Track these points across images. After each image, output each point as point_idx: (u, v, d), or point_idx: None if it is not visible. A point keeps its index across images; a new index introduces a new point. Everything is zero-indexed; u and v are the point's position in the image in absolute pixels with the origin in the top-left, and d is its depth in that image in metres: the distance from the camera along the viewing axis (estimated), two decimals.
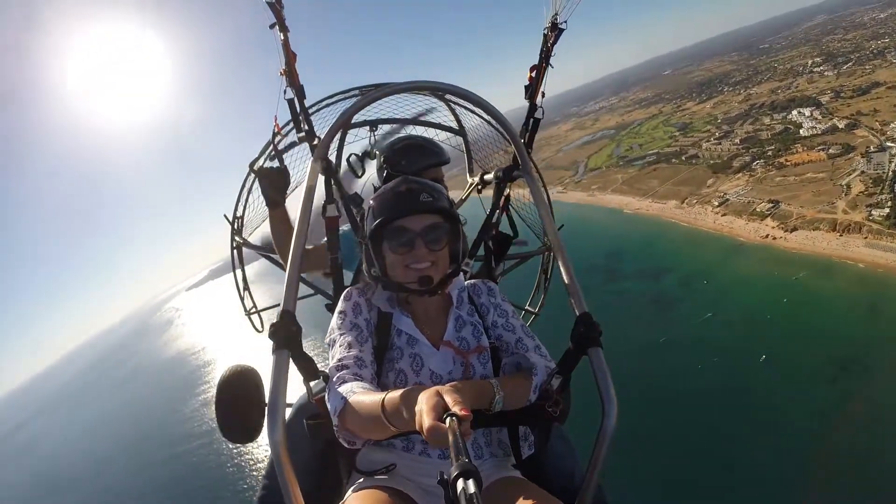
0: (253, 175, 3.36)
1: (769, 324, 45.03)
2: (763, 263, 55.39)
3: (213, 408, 3.04)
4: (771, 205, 67.76)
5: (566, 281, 1.86)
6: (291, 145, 3.00)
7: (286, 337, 1.51)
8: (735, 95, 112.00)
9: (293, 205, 2.24)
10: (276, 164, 2.62)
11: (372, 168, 3.11)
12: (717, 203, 74.29)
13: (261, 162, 2.71)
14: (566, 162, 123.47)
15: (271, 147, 2.61)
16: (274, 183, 2.56)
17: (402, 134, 3.61)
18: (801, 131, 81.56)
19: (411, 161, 2.90)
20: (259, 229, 3.72)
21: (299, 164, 3.09)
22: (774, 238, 61.44)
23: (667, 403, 38.14)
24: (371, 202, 1.86)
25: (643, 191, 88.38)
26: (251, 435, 3.03)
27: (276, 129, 2.52)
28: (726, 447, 33.60)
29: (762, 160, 79.67)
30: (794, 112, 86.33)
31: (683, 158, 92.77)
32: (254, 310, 3.93)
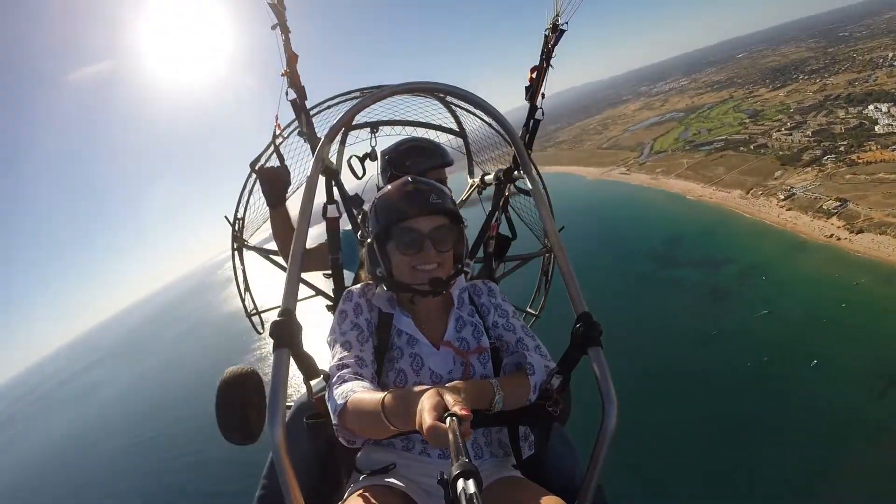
0: (253, 175, 3.36)
1: (824, 328, 42.86)
2: (824, 264, 52.80)
3: (214, 409, 2.98)
4: (838, 203, 63.49)
5: (567, 281, 1.85)
6: (292, 145, 3.03)
7: (286, 335, 1.52)
8: (810, 84, 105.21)
9: (294, 205, 2.24)
10: (276, 163, 2.66)
11: (372, 169, 3.14)
12: (782, 196, 70.19)
13: (262, 162, 2.77)
14: (632, 143, 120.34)
15: (272, 147, 2.66)
16: (274, 183, 2.58)
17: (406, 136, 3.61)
18: (876, 128, 75.94)
19: (416, 162, 2.91)
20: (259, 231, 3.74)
21: (300, 164, 3.11)
22: (839, 238, 57.67)
23: (706, 398, 37.04)
24: (375, 202, 1.87)
25: (708, 178, 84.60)
26: (252, 436, 3.04)
27: (277, 129, 2.57)
28: (754, 449, 32.50)
29: (833, 155, 74.62)
30: (871, 107, 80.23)
31: (752, 147, 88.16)
32: (255, 311, 3.93)
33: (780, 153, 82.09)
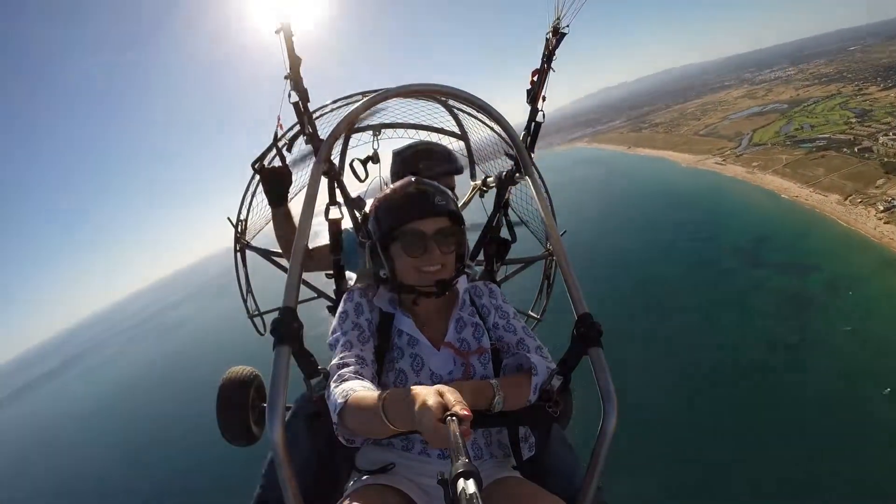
0: (256, 177, 3.39)
1: None
2: None
3: (214, 409, 3.06)
4: None
5: (568, 282, 1.85)
6: (294, 145, 3.09)
7: (287, 333, 1.52)
8: None
9: (296, 206, 2.24)
10: (278, 163, 2.68)
11: (374, 172, 3.12)
12: (882, 208, 61.51)
13: (264, 162, 2.84)
14: (730, 132, 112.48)
15: (274, 148, 2.72)
16: (277, 183, 2.61)
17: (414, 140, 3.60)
18: None
19: (429, 165, 2.92)
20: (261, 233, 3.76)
21: (302, 165, 3.13)
22: None
23: (768, 405, 34.66)
24: (378, 203, 1.87)
25: (805, 178, 76.55)
26: (252, 438, 3.15)
27: (280, 130, 2.61)
28: (803, 471, 29.53)
29: None
30: None
31: (856, 150, 78.58)
32: (257, 312, 3.95)
33: (885, 160, 72.43)
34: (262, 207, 3.60)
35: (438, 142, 3.69)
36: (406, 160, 3.02)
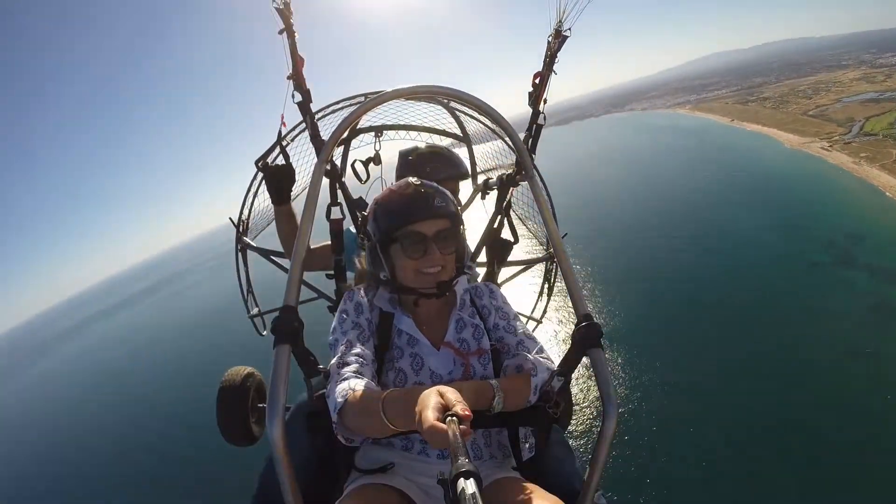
0: (259, 177, 3.50)
1: None
2: None
3: (214, 408, 3.05)
4: None
5: (569, 284, 1.84)
6: (298, 147, 3.09)
7: (287, 332, 1.52)
8: None
9: (299, 206, 2.25)
10: (282, 163, 2.69)
11: (376, 173, 3.13)
12: None
13: (267, 160, 2.86)
14: (841, 116, 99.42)
15: (278, 147, 2.73)
16: (280, 181, 2.62)
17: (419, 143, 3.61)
18: None
19: (437, 169, 2.94)
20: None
21: (305, 166, 3.16)
22: None
23: (826, 416, 30.48)
24: (377, 204, 1.87)
25: None
26: (252, 438, 3.15)
27: (284, 129, 2.62)
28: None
29: None
30: None
31: None
32: (257, 312, 3.95)
33: None
34: (263, 208, 3.62)
35: (429, 141, 3.69)
36: (413, 161, 3.04)
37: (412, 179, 1.85)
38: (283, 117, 2.54)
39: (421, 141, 3.70)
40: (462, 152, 3.73)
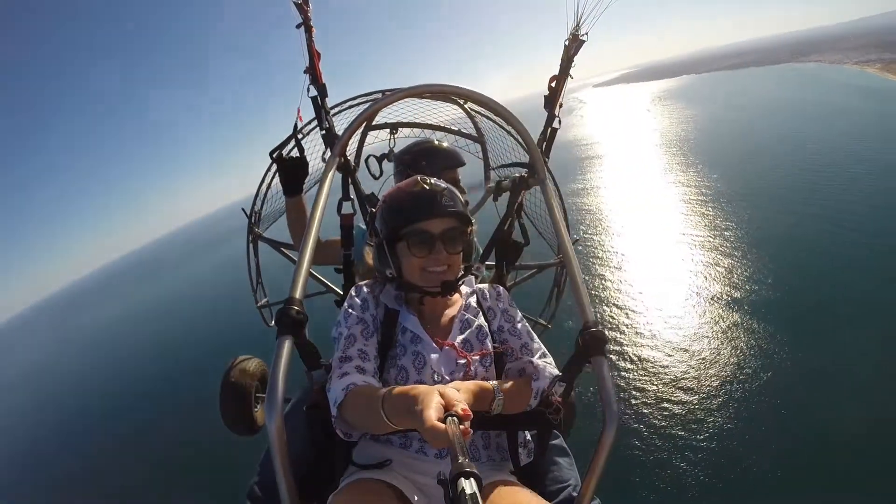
0: (273, 169, 3.54)
1: None
2: None
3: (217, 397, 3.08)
4: None
5: (576, 290, 1.84)
6: (313, 141, 3.11)
7: (291, 324, 1.53)
8: None
9: (311, 199, 2.23)
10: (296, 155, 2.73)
11: (390, 170, 3.19)
12: None
13: (283, 152, 2.90)
14: None
15: (294, 139, 2.77)
16: (293, 172, 2.65)
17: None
18: None
19: (431, 162, 2.99)
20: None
21: (321, 159, 3.12)
22: None
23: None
24: (385, 201, 1.88)
25: None
26: (254, 428, 3.15)
27: (300, 122, 2.66)
28: None
29: None
30: None
31: None
32: (266, 303, 4.00)
33: None
34: (276, 199, 3.65)
35: (433, 137, 3.69)
36: (408, 160, 3.09)
37: (420, 178, 1.85)
38: (299, 111, 2.56)
39: (419, 136, 3.71)
40: (467, 153, 3.76)
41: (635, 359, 21.54)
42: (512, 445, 1.77)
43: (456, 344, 1.80)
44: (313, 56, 2.39)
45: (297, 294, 1.62)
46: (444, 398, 1.16)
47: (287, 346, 1.50)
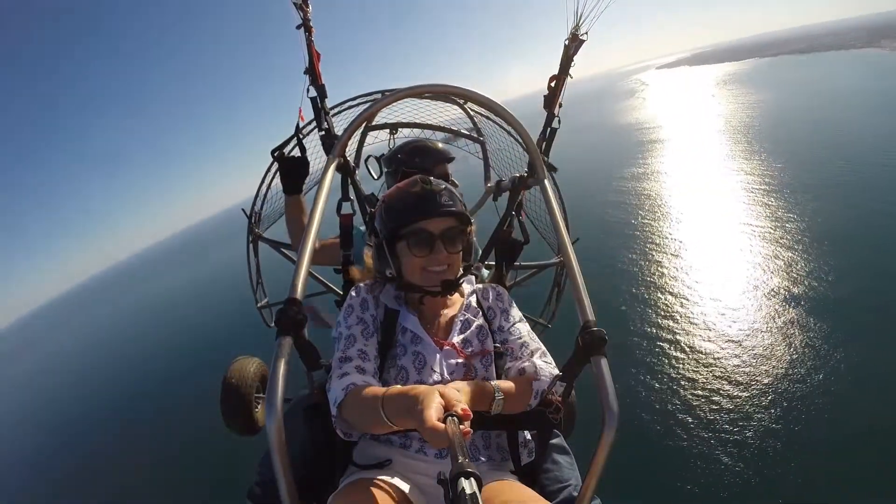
0: (274, 168, 3.59)
1: None
2: None
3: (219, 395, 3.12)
4: None
5: (576, 290, 1.83)
6: (314, 142, 3.15)
7: (290, 324, 1.53)
8: None
9: (311, 199, 2.36)
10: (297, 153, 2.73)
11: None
12: None
13: (284, 152, 2.91)
14: None
15: (295, 139, 2.78)
16: (294, 171, 2.66)
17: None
18: None
19: (424, 160, 3.03)
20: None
21: (322, 159, 3.21)
22: None
23: None
24: (384, 201, 1.88)
25: None
26: (254, 428, 3.18)
27: (301, 121, 2.65)
28: None
29: None
30: None
31: None
32: (266, 303, 4.02)
33: None
34: (276, 200, 3.64)
35: (422, 136, 3.71)
36: (402, 159, 3.13)
37: (420, 177, 1.85)
38: (300, 110, 2.57)
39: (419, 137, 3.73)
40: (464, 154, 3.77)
41: (687, 348, 20.96)
42: (512, 445, 1.77)
43: (456, 344, 1.80)
44: (313, 57, 2.39)
45: (297, 294, 1.62)
46: (444, 398, 1.16)
47: (287, 346, 1.50)
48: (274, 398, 1.39)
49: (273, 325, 1.58)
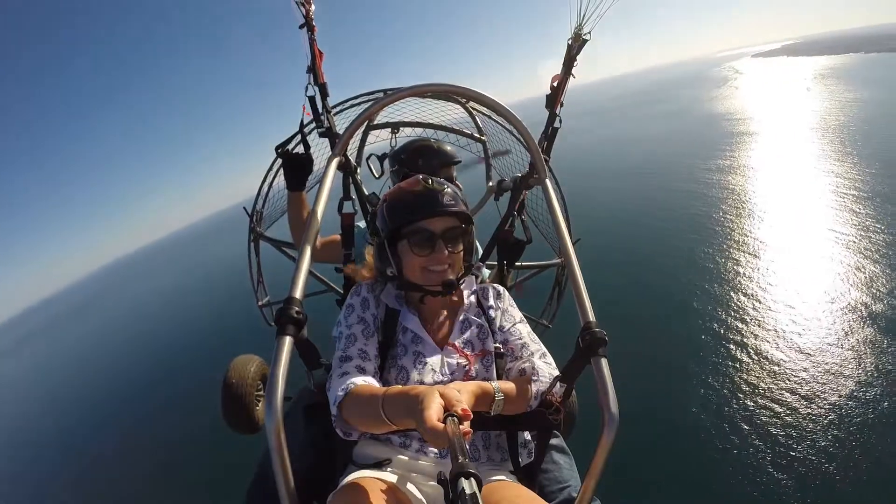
0: (276, 165, 3.59)
1: None
2: None
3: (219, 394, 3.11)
4: None
5: (576, 290, 1.83)
6: (316, 140, 3.15)
7: (291, 323, 1.53)
8: None
9: (312, 197, 2.26)
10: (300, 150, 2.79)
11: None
12: None
13: (288, 148, 2.93)
14: None
15: (299, 136, 2.79)
16: (297, 168, 2.66)
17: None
18: None
19: (427, 160, 3.03)
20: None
21: (325, 157, 3.21)
22: None
23: None
24: (386, 200, 1.88)
25: None
26: (255, 427, 3.18)
27: (306, 118, 2.68)
28: None
29: None
30: None
31: None
32: (268, 301, 4.02)
33: None
34: (278, 199, 3.65)
35: (426, 136, 3.71)
36: (405, 159, 3.11)
37: (422, 177, 1.85)
38: (304, 107, 2.57)
39: (421, 136, 3.73)
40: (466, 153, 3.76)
41: (753, 353, 20.19)
42: (512, 445, 1.77)
43: (456, 344, 1.81)
44: (315, 55, 2.39)
45: (297, 294, 1.62)
46: (444, 398, 1.16)
47: (287, 345, 1.50)
48: (274, 398, 1.39)
49: (273, 323, 1.58)
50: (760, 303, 23.70)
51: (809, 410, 17.29)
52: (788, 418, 17.02)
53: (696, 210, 34.19)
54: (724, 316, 22.94)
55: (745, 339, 21.19)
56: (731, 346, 20.79)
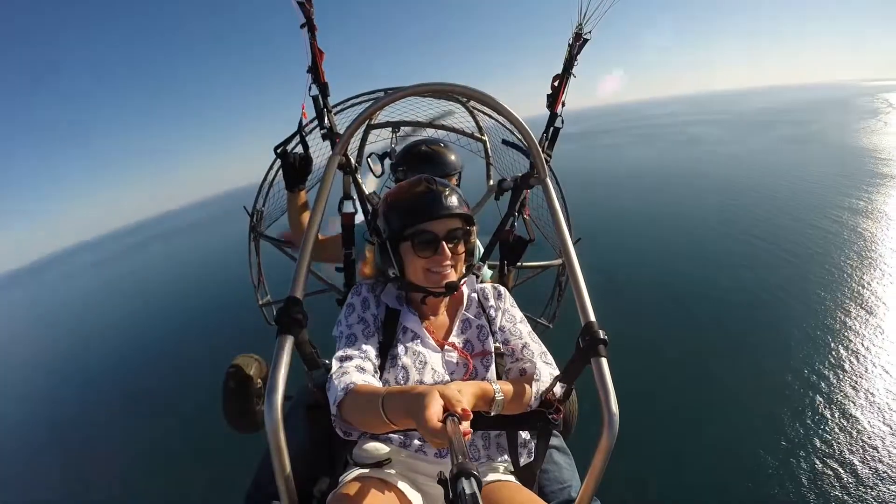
0: (276, 165, 3.57)
1: None
2: None
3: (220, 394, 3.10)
4: None
5: (576, 290, 1.82)
6: (316, 140, 3.14)
7: (291, 323, 1.53)
8: None
9: (312, 197, 2.26)
10: (300, 150, 2.72)
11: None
12: None
13: (287, 148, 2.93)
14: None
15: (298, 136, 2.79)
16: (297, 167, 2.65)
17: (420, 137, 3.65)
18: None
19: (432, 171, 3.00)
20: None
21: (325, 157, 3.21)
22: None
23: None
24: (388, 201, 1.87)
25: None
26: (256, 426, 3.16)
27: (305, 118, 2.63)
28: None
29: None
30: None
31: None
32: (268, 301, 4.02)
33: None
34: (278, 197, 3.64)
35: (445, 139, 3.70)
36: (407, 161, 3.14)
37: (424, 177, 1.84)
38: (304, 107, 2.56)
39: (421, 135, 3.72)
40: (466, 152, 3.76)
41: (836, 409, 18.20)
42: (512, 445, 1.77)
43: (457, 344, 1.81)
44: (316, 55, 2.38)
45: (297, 293, 1.62)
46: (445, 398, 1.17)
47: (287, 345, 1.50)
48: (274, 397, 1.39)
49: (274, 323, 1.57)
50: (858, 361, 21.10)
51: (881, 490, 16.49)
52: (850, 481, 16.25)
53: (818, 248, 30.91)
54: (816, 362, 21.00)
55: (832, 391, 19.20)
56: (817, 396, 18.89)
